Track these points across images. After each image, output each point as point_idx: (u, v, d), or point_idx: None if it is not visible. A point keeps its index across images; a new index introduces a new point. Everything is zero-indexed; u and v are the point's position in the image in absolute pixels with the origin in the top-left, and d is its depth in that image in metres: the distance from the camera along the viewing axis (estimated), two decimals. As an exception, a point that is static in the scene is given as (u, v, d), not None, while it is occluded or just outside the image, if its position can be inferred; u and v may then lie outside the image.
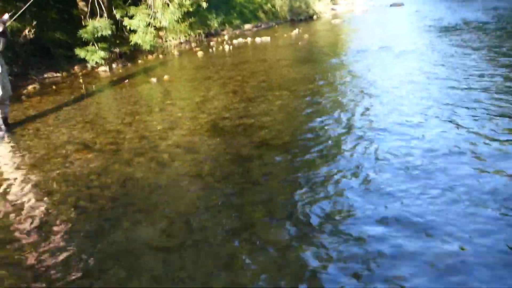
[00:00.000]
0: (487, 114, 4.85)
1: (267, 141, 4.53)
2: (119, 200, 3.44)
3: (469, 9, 19.20)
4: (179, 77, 8.89)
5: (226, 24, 19.57)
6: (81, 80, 9.25)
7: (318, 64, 9.31)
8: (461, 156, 3.78)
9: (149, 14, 10.81)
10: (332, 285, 2.30)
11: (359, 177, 3.54)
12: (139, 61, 11.55)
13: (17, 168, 4.31)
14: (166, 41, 13.85)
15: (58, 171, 4.12)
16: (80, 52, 9.93)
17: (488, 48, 9.33)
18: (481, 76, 6.72)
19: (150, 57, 12.02)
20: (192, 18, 13.91)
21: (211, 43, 14.72)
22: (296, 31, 16.32)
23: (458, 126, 4.53)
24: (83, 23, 10.24)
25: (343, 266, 2.44)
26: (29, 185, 3.84)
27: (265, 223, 2.96)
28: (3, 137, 5.38)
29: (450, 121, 4.70)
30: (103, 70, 10.42)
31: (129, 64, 11.10)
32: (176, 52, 12.79)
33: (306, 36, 14.65)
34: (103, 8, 10.37)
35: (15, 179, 4.02)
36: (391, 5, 28.52)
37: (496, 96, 5.52)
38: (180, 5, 11.21)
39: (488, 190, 3.16)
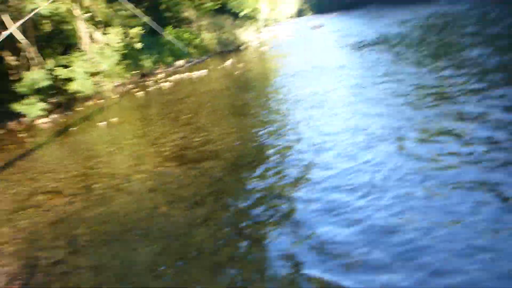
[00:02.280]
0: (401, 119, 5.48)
1: (233, 162, 4.84)
2: (109, 233, 3.56)
3: (382, 23, 20.93)
4: (127, 118, 8.98)
5: (160, 63, 19.84)
6: (22, 135, 9.06)
7: (258, 89, 9.81)
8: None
9: (86, 60, 10.85)
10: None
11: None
12: (79, 108, 11.47)
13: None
14: (102, 86, 13.85)
15: (37, 219, 4.14)
16: (17, 107, 9.73)
17: (401, 58, 10.22)
18: (398, 82, 7.39)
19: (89, 103, 11.98)
20: (127, 60, 14.06)
21: (148, 83, 14.90)
22: (229, 62, 16.92)
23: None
24: (12, 77, 10.10)
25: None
26: (18, 232, 3.85)
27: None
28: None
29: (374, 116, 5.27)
30: (43, 122, 10.24)
31: (69, 113, 11.00)
32: (114, 96, 12.82)
33: (240, 65, 15.29)
34: (34, 60, 10.28)
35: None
36: (311, 28, 30.32)
37: (407, 100, 6.15)
38: (115, 49, 11.37)
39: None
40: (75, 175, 5.46)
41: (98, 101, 12.12)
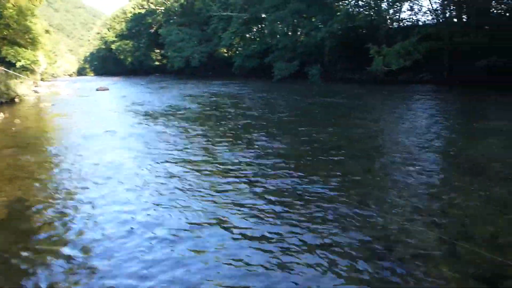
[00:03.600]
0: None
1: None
2: None
3: (169, 95, 22.37)
4: None
5: None
6: None
7: (40, 150, 9.06)
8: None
9: None
10: None
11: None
12: None
13: None
14: None
15: None
16: None
17: (185, 126, 11.34)
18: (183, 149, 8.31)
19: None
20: None
21: None
22: (1, 115, 15.06)
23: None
24: None
25: None
26: None
27: None
28: None
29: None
30: None
31: None
32: None
33: (17, 121, 13.79)
34: None
35: None
36: (97, 89, 29.76)
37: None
38: None
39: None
40: None
41: None
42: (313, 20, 32.10)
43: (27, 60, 26.12)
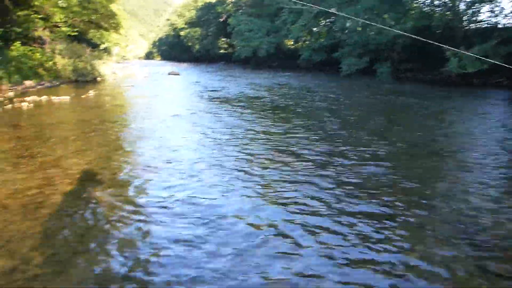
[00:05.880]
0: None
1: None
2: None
3: (238, 83, 23.05)
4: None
5: (3, 80, 17.99)
6: None
7: (130, 128, 9.65)
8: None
9: None
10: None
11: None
12: None
13: None
14: None
15: None
16: None
17: (259, 112, 11.76)
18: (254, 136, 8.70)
19: None
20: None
21: (-3, 99, 13.49)
22: (91, 92, 16.43)
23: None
24: None
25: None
26: None
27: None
28: None
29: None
30: None
31: None
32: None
33: (107, 99, 15.06)
34: None
35: None
36: (169, 74, 31.21)
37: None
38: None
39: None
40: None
41: None
42: (385, 17, 31.51)
43: (109, 43, 27.91)
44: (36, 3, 21.79)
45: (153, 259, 3.50)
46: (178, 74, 31.11)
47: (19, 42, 21.56)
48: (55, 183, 5.37)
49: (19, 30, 23.22)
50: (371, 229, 4.10)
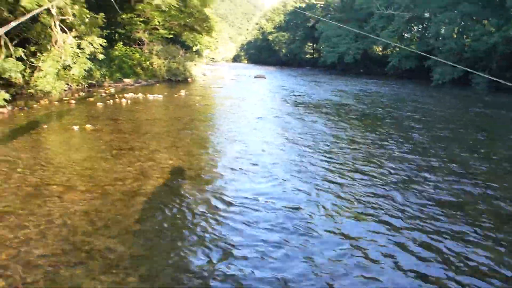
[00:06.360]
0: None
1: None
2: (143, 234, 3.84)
3: (324, 89, 22.91)
4: (101, 127, 8.97)
5: (106, 77, 19.66)
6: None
7: (220, 127, 10.14)
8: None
9: (58, 61, 10.72)
10: None
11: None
12: (34, 105, 11.15)
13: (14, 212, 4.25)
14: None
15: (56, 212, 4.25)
16: (-23, 91, 9.31)
17: (345, 120, 11.58)
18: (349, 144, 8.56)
19: (44, 102, 11.68)
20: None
21: (101, 95, 14.81)
22: (183, 92, 17.37)
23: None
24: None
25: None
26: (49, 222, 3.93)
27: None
28: None
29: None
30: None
31: (25, 108, 10.66)
32: (67, 99, 12.59)
33: (197, 98, 15.84)
34: (8, 50, 9.96)
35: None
36: (255, 77, 31.91)
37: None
38: (86, 56, 11.41)
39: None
40: (84, 174, 5.57)
41: (55, 103, 11.84)
42: (484, 23, 29.39)
43: (201, 45, 29.27)
44: (139, 7, 23.52)
45: (230, 257, 3.64)
46: (264, 78, 31.64)
47: (121, 43, 23.49)
48: (149, 174, 5.81)
49: (122, 31, 25.29)
50: (459, 250, 3.91)
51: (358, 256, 3.72)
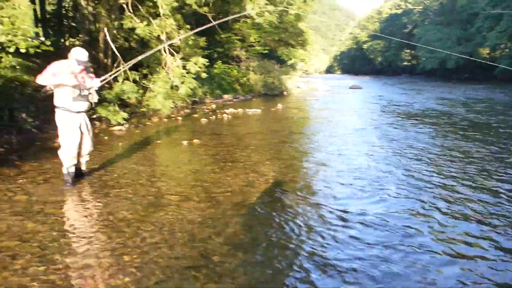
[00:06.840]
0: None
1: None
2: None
3: (425, 97, 21.86)
4: (206, 142, 9.59)
5: (207, 94, 20.82)
6: (108, 138, 9.75)
7: (315, 140, 10.11)
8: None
9: (167, 82, 11.73)
10: None
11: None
12: (147, 123, 12.27)
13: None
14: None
15: (174, 218, 4.68)
16: (102, 111, 10.51)
17: (451, 130, 10.88)
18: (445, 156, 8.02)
19: (154, 119, 12.81)
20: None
21: (203, 111, 15.76)
22: (280, 105, 17.77)
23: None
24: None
25: None
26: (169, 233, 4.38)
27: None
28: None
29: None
30: (118, 129, 10.98)
31: (139, 125, 11.76)
32: (175, 117, 13.66)
33: (294, 111, 16.12)
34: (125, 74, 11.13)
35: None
36: (350, 87, 31.47)
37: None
38: (192, 76, 12.28)
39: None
40: (198, 185, 6.06)
41: (164, 120, 12.92)
42: None
43: (296, 59, 29.72)
44: (236, 26, 24.68)
45: (332, 269, 3.62)
46: (360, 88, 31.08)
47: (220, 61, 24.78)
48: (254, 185, 6.08)
49: (221, 50, 26.68)
50: None
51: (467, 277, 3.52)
